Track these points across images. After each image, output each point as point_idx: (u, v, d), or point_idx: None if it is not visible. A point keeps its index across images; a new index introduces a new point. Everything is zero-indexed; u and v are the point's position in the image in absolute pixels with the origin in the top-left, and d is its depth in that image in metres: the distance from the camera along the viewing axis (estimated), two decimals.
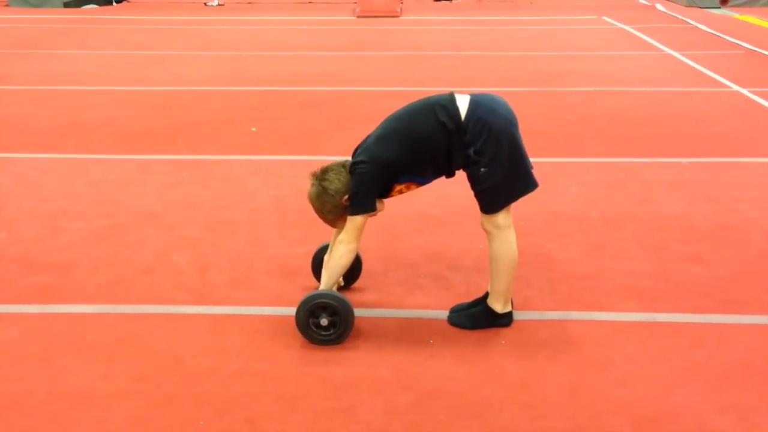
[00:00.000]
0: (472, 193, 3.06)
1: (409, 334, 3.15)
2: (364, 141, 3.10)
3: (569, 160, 5.44)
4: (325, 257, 3.24)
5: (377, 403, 2.70)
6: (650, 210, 4.47)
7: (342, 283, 3.40)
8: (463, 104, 2.99)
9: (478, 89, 7.76)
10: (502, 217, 3.04)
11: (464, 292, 3.42)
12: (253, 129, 6.25)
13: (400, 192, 3.12)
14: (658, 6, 14.99)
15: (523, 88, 7.74)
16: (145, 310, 3.34)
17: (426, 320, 3.25)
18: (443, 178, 3.12)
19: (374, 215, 3.06)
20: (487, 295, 3.21)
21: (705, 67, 8.66)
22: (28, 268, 3.74)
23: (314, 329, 3.02)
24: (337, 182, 3.04)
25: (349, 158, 3.10)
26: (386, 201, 3.12)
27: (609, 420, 2.60)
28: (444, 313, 3.26)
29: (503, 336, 3.13)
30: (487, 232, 3.09)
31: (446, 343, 3.07)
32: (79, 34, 11.49)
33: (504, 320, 3.18)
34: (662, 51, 9.91)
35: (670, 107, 6.94)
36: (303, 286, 3.53)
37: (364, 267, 3.53)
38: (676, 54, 9.60)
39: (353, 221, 3.00)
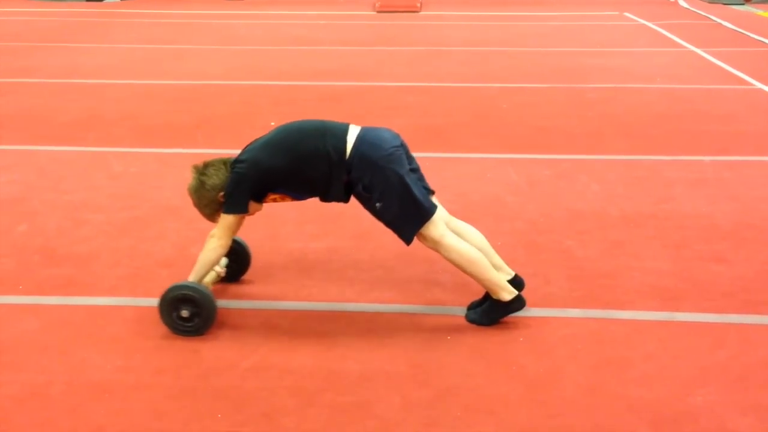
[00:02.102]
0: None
1: (426, 329, 3.14)
2: (254, 142, 3.17)
3: (589, 157, 5.40)
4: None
5: (394, 398, 2.70)
6: (671, 208, 4.43)
7: (223, 275, 3.38)
8: (351, 139, 3.03)
9: (498, 85, 7.76)
10: (431, 232, 3.07)
11: (482, 289, 3.40)
12: (272, 123, 6.23)
13: (274, 200, 3.18)
14: (681, 2, 14.84)
15: (543, 84, 7.69)
16: None
17: (444, 316, 3.24)
18: None
19: (250, 215, 3.14)
20: None
21: (728, 65, 8.56)
22: (49, 259, 3.77)
23: (176, 320, 3.04)
24: (215, 178, 3.09)
25: (234, 156, 3.14)
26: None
27: (628, 419, 2.58)
28: (462, 309, 3.25)
29: (521, 333, 3.11)
30: (432, 249, 3.13)
31: (464, 340, 3.06)
32: (101, 27, 11.56)
33: (515, 306, 3.14)
34: (685, 48, 9.81)
35: (692, 104, 6.87)
36: (321, 281, 3.54)
37: (384, 264, 3.53)
38: (698, 51, 9.50)
39: (225, 219, 3.07)
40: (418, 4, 13.97)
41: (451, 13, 13.38)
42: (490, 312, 3.16)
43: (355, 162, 2.99)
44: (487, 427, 2.55)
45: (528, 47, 9.86)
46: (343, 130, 3.06)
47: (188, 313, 3.02)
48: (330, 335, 3.10)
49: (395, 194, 3.00)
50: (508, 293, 3.13)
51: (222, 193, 3.07)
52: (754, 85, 7.63)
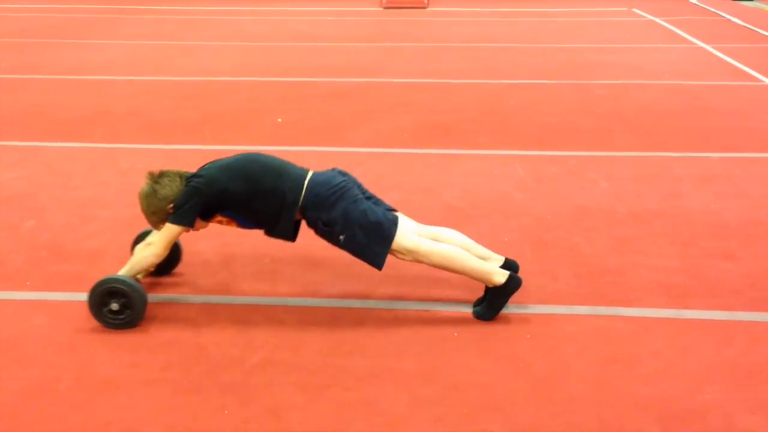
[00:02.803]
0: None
1: (433, 326, 3.14)
2: (212, 162, 3.24)
3: (597, 153, 5.39)
4: (139, 246, 3.30)
5: (401, 395, 2.70)
6: (679, 205, 4.41)
7: (152, 269, 3.39)
8: (305, 184, 3.11)
9: (506, 81, 7.73)
10: (403, 245, 3.10)
11: None
12: (280, 120, 6.26)
13: (220, 222, 3.24)
14: None
15: (551, 80, 7.67)
16: (172, 299, 3.37)
17: (450, 313, 3.24)
18: None
19: (195, 230, 3.19)
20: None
21: (737, 61, 8.52)
22: (57, 255, 3.79)
23: (105, 313, 3.06)
24: (168, 189, 3.15)
25: (191, 172, 3.21)
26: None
27: (636, 417, 2.58)
28: (469, 306, 3.24)
29: (528, 330, 3.11)
30: (413, 261, 3.16)
31: (471, 336, 3.06)
32: (108, 23, 11.58)
33: (512, 286, 3.14)
34: (693, 44, 9.77)
35: (701, 101, 6.84)
36: (327, 277, 3.54)
37: (391, 260, 3.51)
38: (707, 47, 9.46)
39: (169, 229, 3.12)
40: (426, 0, 13.95)
41: (458, 9, 13.35)
42: (491, 302, 3.17)
43: (308, 204, 3.09)
44: (493, 424, 2.55)
45: (535, 43, 9.83)
46: (301, 176, 3.15)
47: (118, 306, 3.05)
48: (336, 331, 3.10)
49: (354, 222, 3.06)
50: (500, 276, 3.13)
51: (171, 205, 3.13)
52: (763, 81, 7.59)
